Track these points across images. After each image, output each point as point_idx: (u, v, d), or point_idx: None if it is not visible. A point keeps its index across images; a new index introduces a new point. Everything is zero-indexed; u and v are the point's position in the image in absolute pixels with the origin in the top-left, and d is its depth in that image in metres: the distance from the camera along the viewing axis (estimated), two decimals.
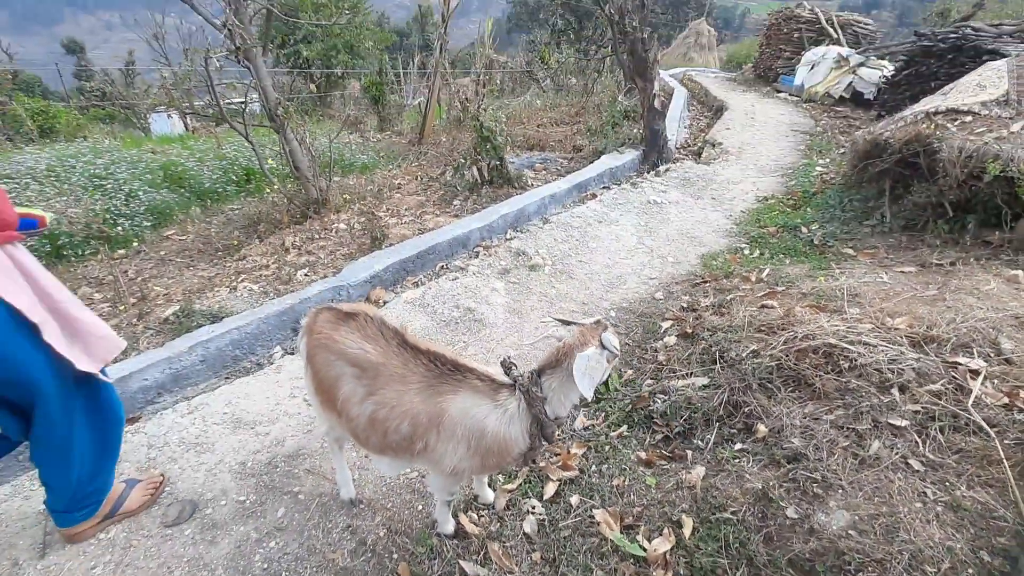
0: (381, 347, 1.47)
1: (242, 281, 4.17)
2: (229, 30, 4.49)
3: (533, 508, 1.94)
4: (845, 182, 4.63)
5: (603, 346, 1.45)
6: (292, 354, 2.83)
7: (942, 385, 1.86)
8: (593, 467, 2.10)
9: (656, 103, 6.65)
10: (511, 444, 1.45)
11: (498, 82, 15.40)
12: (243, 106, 5.17)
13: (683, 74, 14.87)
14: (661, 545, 1.65)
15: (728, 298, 2.93)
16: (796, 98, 10.27)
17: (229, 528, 1.81)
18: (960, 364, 1.94)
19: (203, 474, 1.99)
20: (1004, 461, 1.54)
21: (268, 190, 5.89)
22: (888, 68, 8.34)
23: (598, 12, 8.43)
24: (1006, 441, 1.60)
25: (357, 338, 1.49)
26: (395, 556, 1.75)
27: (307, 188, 5.35)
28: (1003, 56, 5.32)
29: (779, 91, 11.11)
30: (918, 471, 1.60)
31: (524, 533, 1.84)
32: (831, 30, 10.99)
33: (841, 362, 2.05)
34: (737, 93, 11.22)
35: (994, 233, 3.08)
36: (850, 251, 3.47)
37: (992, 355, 1.99)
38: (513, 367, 1.49)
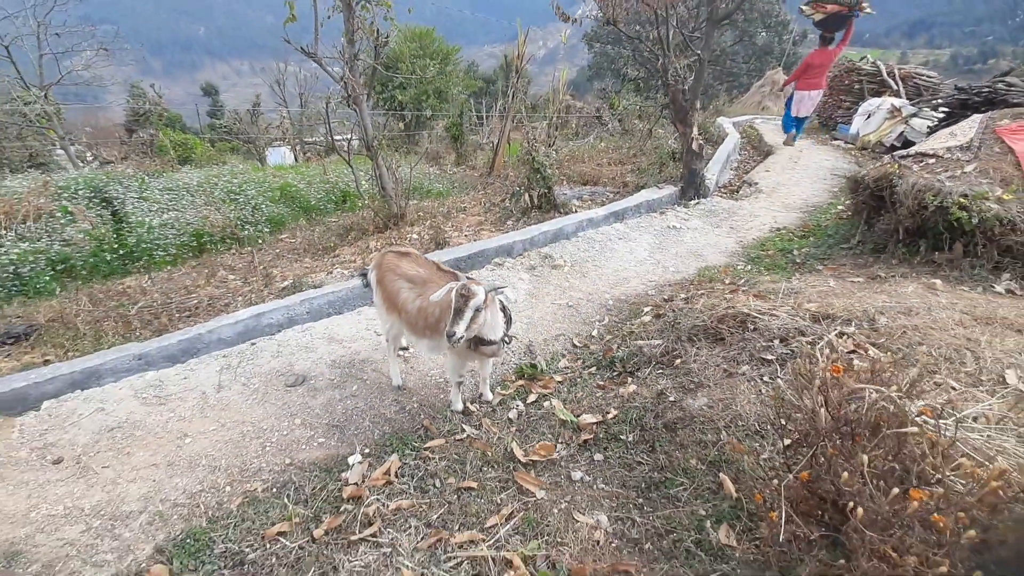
0: (427, 270, 2.51)
1: (335, 268, 5.44)
2: (344, 83, 5.96)
3: (517, 406, 2.84)
4: (848, 216, 5.21)
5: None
6: (370, 305, 3.94)
7: (812, 338, 2.58)
8: (565, 389, 2.97)
9: (694, 145, 7.47)
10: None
11: (573, 125, 16.70)
12: (347, 141, 6.61)
13: (748, 122, 15.42)
14: (589, 419, 2.51)
15: (698, 292, 3.71)
16: (851, 146, 10.60)
17: (324, 392, 2.88)
18: (836, 329, 2.66)
19: (310, 363, 3.10)
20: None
21: (360, 205, 7.30)
22: (937, 119, 8.62)
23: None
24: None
25: (413, 265, 2.54)
26: (422, 416, 2.72)
27: (390, 205, 6.66)
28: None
29: (836, 139, 11.46)
30: (768, 382, 2.36)
31: (508, 418, 2.75)
32: (891, 82, 11.28)
33: (749, 325, 2.82)
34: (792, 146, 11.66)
35: (936, 254, 3.65)
36: (819, 267, 4.12)
37: (866, 326, 2.68)
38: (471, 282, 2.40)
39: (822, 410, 1.38)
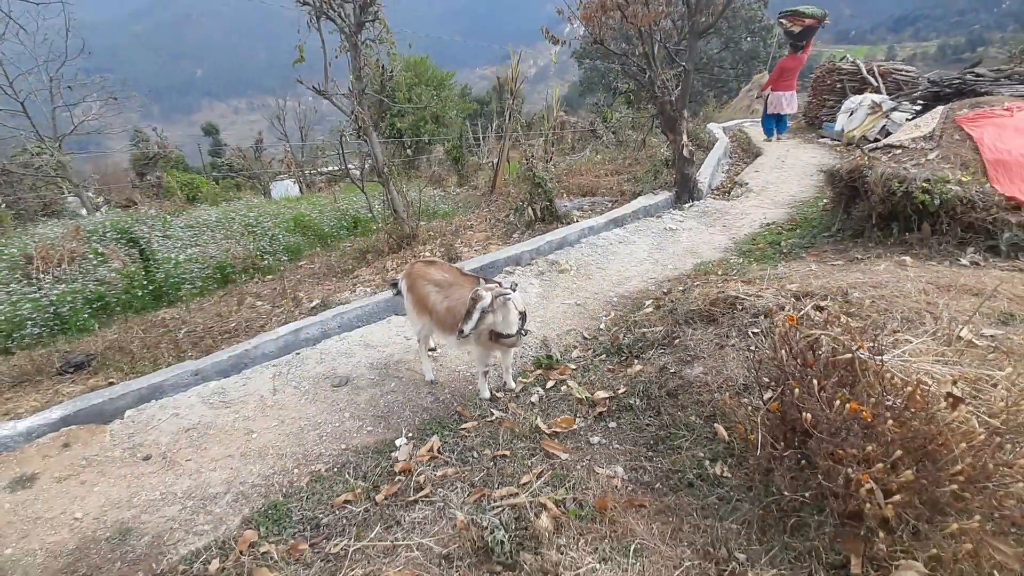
0: (452, 275, 2.91)
1: (357, 287, 5.85)
2: (355, 116, 6.44)
3: (538, 391, 3.20)
4: (831, 207, 5.58)
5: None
6: (401, 314, 4.33)
7: (791, 311, 2.94)
8: (579, 374, 3.33)
9: (685, 152, 7.89)
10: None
11: (569, 140, 17.22)
12: (361, 169, 7.08)
13: (737, 126, 15.90)
14: (603, 394, 2.87)
15: (694, 284, 4.08)
16: (837, 142, 11.03)
17: (366, 390, 3.26)
18: (813, 303, 3.01)
19: (350, 367, 3.48)
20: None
21: (373, 228, 7.74)
22: (915, 111, 9.05)
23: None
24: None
25: (440, 271, 2.94)
26: (455, 405, 3.09)
27: (402, 226, 7.09)
28: (993, 96, 6.11)
29: (822, 137, 11.89)
30: (754, 350, 2.71)
31: (531, 401, 3.11)
32: (872, 79, 11.73)
33: (738, 306, 3.18)
34: (780, 141, 12.12)
35: (907, 235, 4.02)
36: (804, 254, 4.49)
37: (840, 299, 3.04)
38: (495, 284, 2.78)
39: (782, 352, 1.74)
